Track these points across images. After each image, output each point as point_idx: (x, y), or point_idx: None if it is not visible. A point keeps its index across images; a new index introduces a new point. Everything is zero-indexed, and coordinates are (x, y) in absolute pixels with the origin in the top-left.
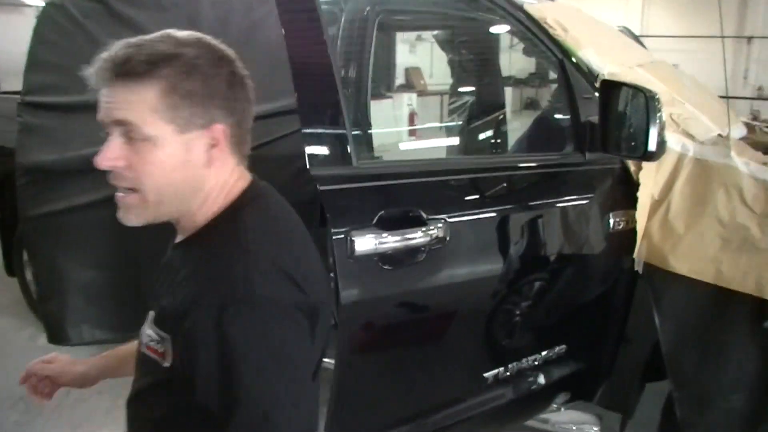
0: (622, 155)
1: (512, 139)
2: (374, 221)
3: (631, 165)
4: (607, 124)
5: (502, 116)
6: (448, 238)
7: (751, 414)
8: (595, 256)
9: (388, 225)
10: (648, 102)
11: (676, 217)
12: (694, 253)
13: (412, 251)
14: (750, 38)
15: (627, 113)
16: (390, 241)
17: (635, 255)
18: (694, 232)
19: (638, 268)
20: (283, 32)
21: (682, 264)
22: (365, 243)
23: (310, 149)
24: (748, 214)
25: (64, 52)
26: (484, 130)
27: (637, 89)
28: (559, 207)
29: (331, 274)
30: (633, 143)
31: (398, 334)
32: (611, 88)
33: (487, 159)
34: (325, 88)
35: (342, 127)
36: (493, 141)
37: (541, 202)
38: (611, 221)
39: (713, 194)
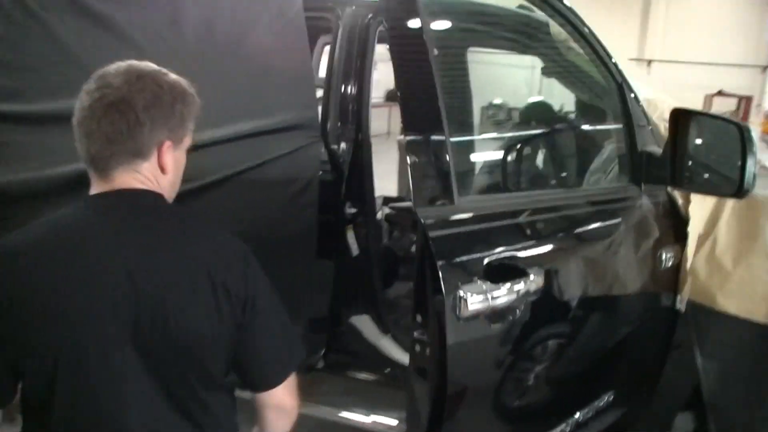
0: (703, 191)
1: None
2: (481, 272)
3: (679, 198)
4: (678, 156)
5: (577, 146)
6: (543, 286)
7: None
8: (649, 295)
9: (495, 276)
10: (744, 135)
11: (723, 253)
12: (744, 290)
13: (515, 304)
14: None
15: (708, 146)
16: (501, 295)
17: (682, 293)
18: (742, 269)
19: (681, 306)
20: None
21: (731, 302)
22: (477, 300)
23: (415, 185)
24: None
25: (14, 49)
26: (564, 161)
27: (726, 121)
28: (623, 244)
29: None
30: (718, 178)
31: (502, 394)
32: (686, 118)
33: (564, 194)
34: (431, 114)
35: (445, 157)
36: (570, 174)
37: (609, 239)
38: (663, 257)
39: (761, 228)
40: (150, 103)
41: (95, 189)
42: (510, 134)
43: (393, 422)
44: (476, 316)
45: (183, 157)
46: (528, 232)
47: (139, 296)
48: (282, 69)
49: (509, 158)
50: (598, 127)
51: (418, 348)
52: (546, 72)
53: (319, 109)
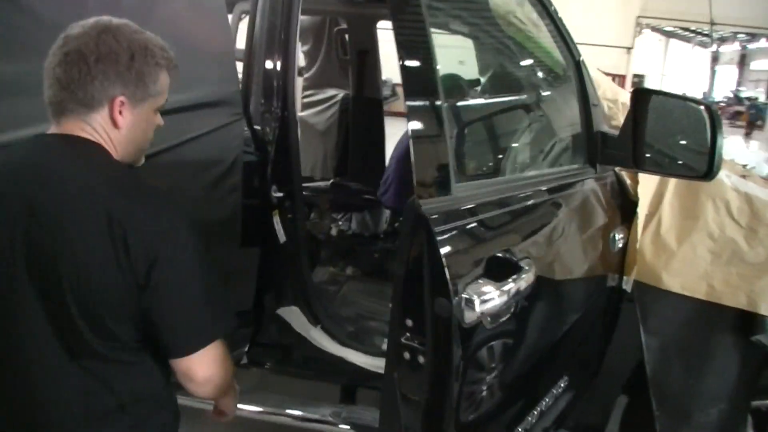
0: (668, 173)
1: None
2: (482, 270)
3: (627, 178)
4: (639, 137)
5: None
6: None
7: (728, 426)
8: (603, 277)
9: (495, 274)
10: (713, 117)
11: (668, 232)
12: (687, 269)
13: (510, 303)
14: None
15: (671, 126)
16: (505, 294)
17: (629, 273)
18: (685, 248)
19: (627, 286)
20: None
21: (676, 280)
22: (485, 302)
23: (418, 173)
24: (735, 228)
25: None
26: (535, 144)
27: (692, 101)
28: (578, 227)
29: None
30: (684, 160)
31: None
32: (647, 98)
33: (515, 178)
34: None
35: (443, 142)
36: (538, 156)
37: (565, 223)
38: (615, 239)
39: (702, 207)
40: (104, 56)
41: (49, 131)
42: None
43: (326, 417)
44: (482, 319)
45: (149, 116)
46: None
47: (32, 233)
48: (198, 39)
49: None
50: (552, 105)
51: (407, 356)
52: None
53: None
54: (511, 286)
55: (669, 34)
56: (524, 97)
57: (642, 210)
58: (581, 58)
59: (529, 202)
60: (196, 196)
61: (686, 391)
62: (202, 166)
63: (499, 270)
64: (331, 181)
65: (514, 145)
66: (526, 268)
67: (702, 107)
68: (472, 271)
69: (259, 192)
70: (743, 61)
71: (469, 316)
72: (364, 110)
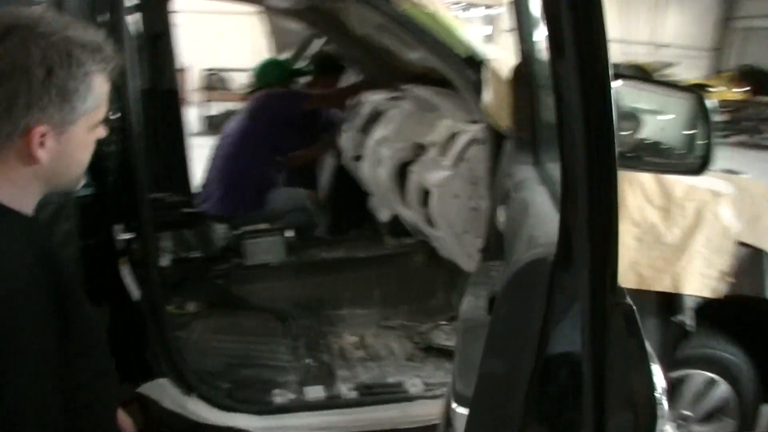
0: (656, 170)
1: None
2: None
3: None
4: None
5: None
6: None
7: None
8: None
9: None
10: (704, 104)
11: None
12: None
13: None
14: None
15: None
16: None
17: None
18: None
19: None
20: None
21: None
22: None
23: None
24: (652, 210)
25: None
26: None
27: (681, 89)
28: None
29: None
30: (674, 154)
31: None
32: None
33: None
34: None
35: None
36: None
37: None
38: None
39: (624, 194)
40: (7, 74)
41: None
42: None
43: None
44: None
45: (84, 137)
46: None
47: None
48: None
49: None
50: None
51: None
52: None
53: None
54: None
55: None
56: None
57: None
58: None
59: None
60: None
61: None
62: None
63: None
64: None
65: None
66: None
67: (692, 94)
68: None
69: (100, 236)
70: None
71: None
72: (160, 105)
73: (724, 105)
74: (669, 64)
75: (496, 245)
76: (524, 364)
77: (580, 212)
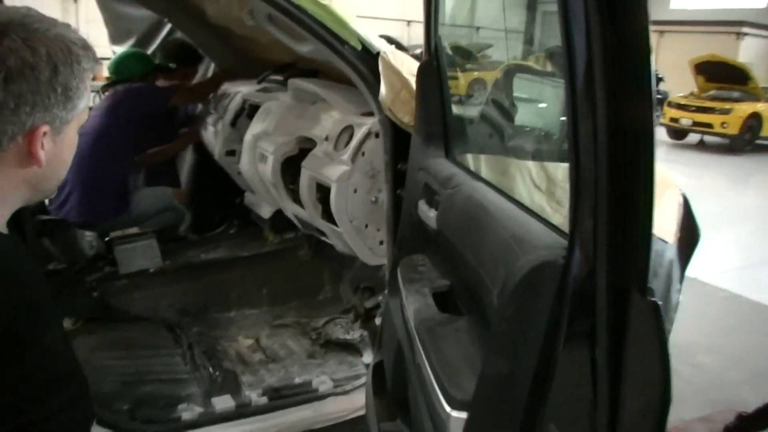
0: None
1: None
2: None
3: None
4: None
5: None
6: None
7: None
8: None
9: None
10: None
11: None
12: None
13: None
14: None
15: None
16: None
17: None
18: None
19: None
20: None
21: None
22: None
23: None
24: (541, 195)
25: None
26: None
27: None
28: None
29: None
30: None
31: None
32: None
33: None
34: None
35: None
36: None
37: None
38: None
39: (515, 179)
40: (16, 73)
41: None
42: None
43: None
44: None
45: (73, 139)
46: None
47: None
48: None
49: None
50: None
51: None
52: None
53: None
54: None
55: None
56: None
57: None
58: None
59: None
60: None
61: None
62: None
63: None
64: None
65: None
66: None
67: None
68: None
69: None
70: None
71: None
72: None
73: None
74: (488, 45)
75: (413, 238)
76: (533, 364)
77: (602, 214)
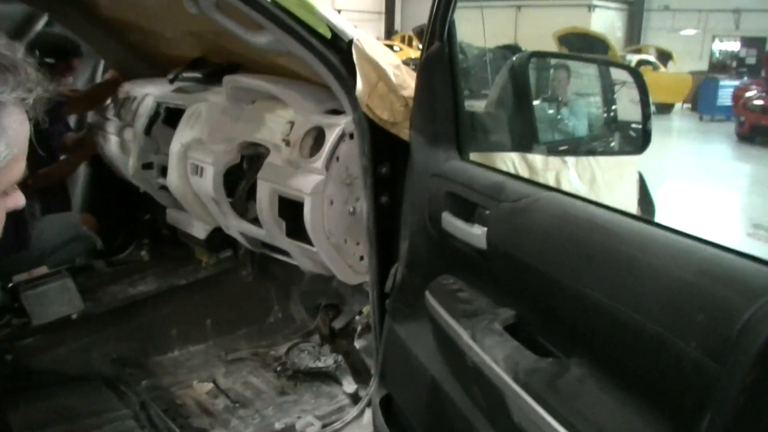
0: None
1: None
2: None
3: None
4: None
5: None
6: None
7: None
8: None
9: None
10: (642, 81)
11: None
12: None
13: None
14: None
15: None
16: None
17: None
18: None
19: None
20: None
21: None
22: None
23: None
24: None
25: None
26: None
27: (610, 64)
28: None
29: None
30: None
31: None
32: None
33: None
34: None
35: None
36: None
37: None
38: None
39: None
40: None
41: None
42: None
43: None
44: None
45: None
46: None
47: None
48: None
49: None
50: None
51: None
52: None
53: None
54: None
55: None
56: None
57: None
58: None
59: None
60: None
61: None
62: None
63: None
64: None
65: None
66: None
67: (627, 71)
68: None
69: None
70: None
71: None
72: None
73: (407, 62)
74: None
75: (433, 257)
76: None
77: None
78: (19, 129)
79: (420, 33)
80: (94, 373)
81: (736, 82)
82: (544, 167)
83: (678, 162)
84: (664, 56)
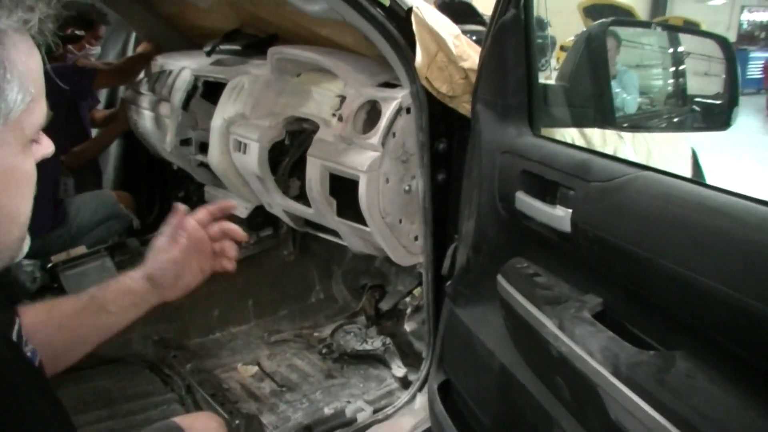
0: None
1: None
2: None
3: None
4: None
5: None
6: None
7: None
8: None
9: None
10: (730, 50)
11: None
12: None
13: None
14: None
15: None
16: None
17: None
18: None
19: None
20: None
21: None
22: None
23: None
24: None
25: None
26: None
27: (699, 33)
28: None
29: None
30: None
31: None
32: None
33: None
34: None
35: None
36: None
37: None
38: None
39: None
40: None
41: None
42: None
43: None
44: None
45: (10, 163)
46: None
47: None
48: None
49: None
50: None
51: None
52: None
53: None
54: None
55: None
56: None
57: None
58: None
59: None
60: None
61: None
62: None
63: None
64: None
65: None
66: None
67: (715, 39)
68: None
69: None
70: None
71: None
72: None
73: None
74: None
75: (503, 238)
76: None
77: None
78: (29, 62)
79: (442, 5)
80: (135, 355)
81: (767, 54)
82: (602, 143)
83: (707, 136)
84: None
